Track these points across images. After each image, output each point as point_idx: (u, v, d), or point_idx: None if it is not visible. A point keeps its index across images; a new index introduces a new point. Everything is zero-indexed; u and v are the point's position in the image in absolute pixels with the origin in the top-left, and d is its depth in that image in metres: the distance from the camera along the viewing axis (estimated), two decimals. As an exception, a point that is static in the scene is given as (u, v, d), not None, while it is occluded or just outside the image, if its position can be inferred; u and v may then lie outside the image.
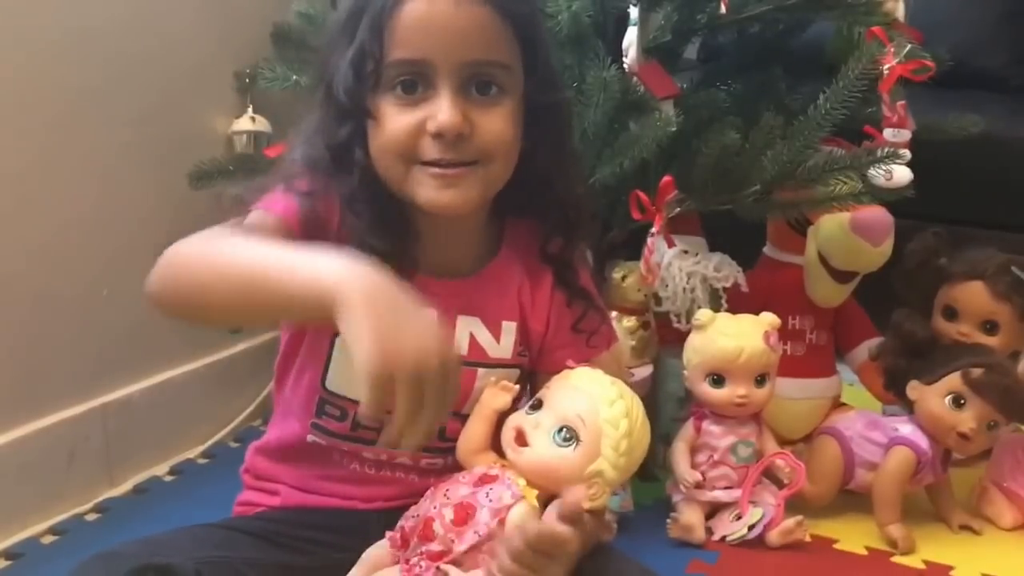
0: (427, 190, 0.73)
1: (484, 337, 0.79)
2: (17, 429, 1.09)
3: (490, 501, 0.72)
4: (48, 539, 1.10)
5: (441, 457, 0.79)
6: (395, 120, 0.72)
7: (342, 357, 0.76)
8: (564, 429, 0.73)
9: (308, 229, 0.72)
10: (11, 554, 1.06)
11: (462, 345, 0.78)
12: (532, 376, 0.83)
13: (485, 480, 0.74)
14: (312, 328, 0.78)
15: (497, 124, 0.73)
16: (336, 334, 0.71)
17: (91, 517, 1.15)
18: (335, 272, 0.59)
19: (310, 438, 0.80)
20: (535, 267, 0.81)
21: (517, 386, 0.78)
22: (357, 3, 0.73)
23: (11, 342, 1.08)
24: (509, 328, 0.80)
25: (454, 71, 0.71)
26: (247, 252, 0.63)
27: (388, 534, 0.75)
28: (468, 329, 0.78)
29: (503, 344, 0.80)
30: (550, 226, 0.81)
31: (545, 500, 0.74)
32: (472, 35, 0.71)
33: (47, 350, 1.12)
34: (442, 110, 0.70)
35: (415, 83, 0.71)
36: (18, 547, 1.07)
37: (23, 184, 1.08)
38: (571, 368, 0.77)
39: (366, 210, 0.74)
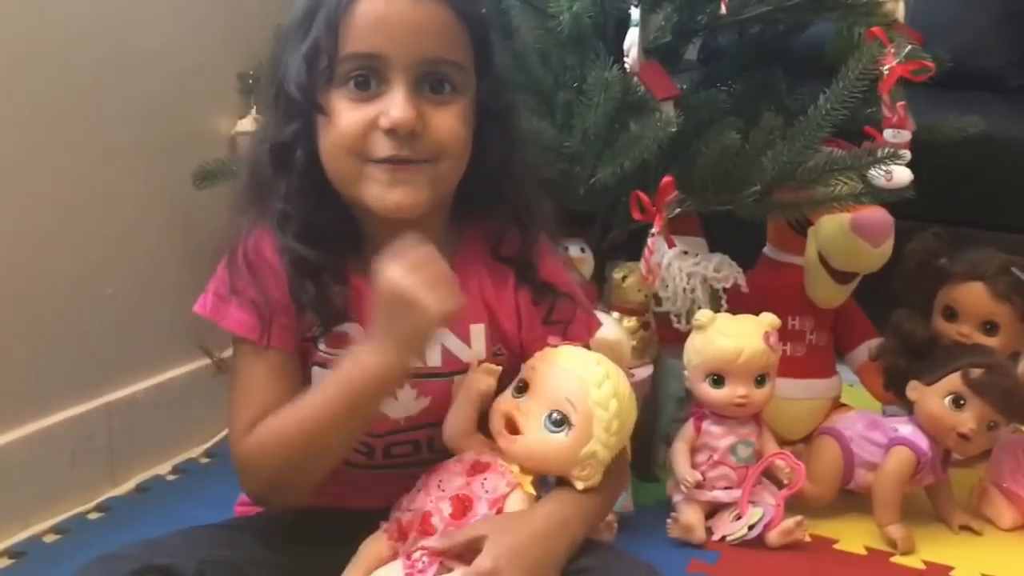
0: (376, 188, 0.72)
1: (454, 344, 0.78)
2: (20, 428, 1.10)
3: (487, 492, 0.73)
4: (51, 538, 1.10)
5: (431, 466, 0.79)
6: (347, 116, 0.71)
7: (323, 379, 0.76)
8: (555, 413, 0.73)
9: (267, 316, 0.75)
10: (14, 553, 1.06)
11: (433, 357, 0.78)
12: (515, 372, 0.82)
13: (478, 468, 0.74)
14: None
15: (450, 122, 0.72)
16: (312, 364, 0.77)
17: (94, 516, 1.16)
18: (370, 358, 0.70)
19: None
20: (496, 266, 0.81)
21: (500, 367, 0.78)
22: (312, 2, 0.73)
23: (15, 341, 1.08)
24: (478, 331, 0.79)
25: (409, 67, 0.70)
26: (321, 405, 0.72)
27: (383, 525, 0.76)
28: (438, 340, 0.77)
29: (475, 348, 0.79)
30: (501, 228, 0.80)
31: (540, 484, 0.75)
32: (428, 32, 0.71)
33: (51, 349, 1.12)
34: (395, 105, 0.70)
35: (368, 79, 0.71)
36: (21, 546, 1.07)
37: (28, 183, 1.09)
38: (554, 346, 0.77)
39: (297, 217, 0.73)
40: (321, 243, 0.74)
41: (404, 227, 0.75)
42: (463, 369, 0.78)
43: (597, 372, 0.75)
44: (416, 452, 0.80)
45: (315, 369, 0.77)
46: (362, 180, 0.72)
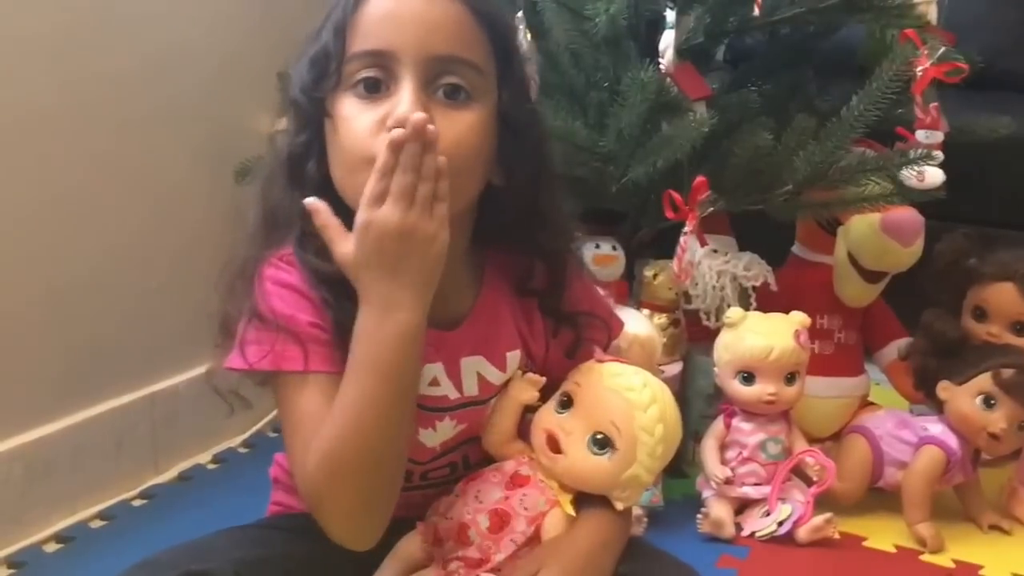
0: None
1: (491, 373, 0.75)
2: (69, 417, 1.13)
3: (525, 509, 0.72)
4: (97, 524, 1.14)
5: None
6: (355, 120, 0.66)
7: None
8: (598, 435, 0.72)
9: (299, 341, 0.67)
10: (62, 538, 1.10)
11: (471, 387, 0.74)
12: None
13: (517, 482, 0.73)
14: None
15: (462, 129, 0.66)
16: None
17: (138, 503, 1.19)
18: (386, 327, 0.62)
19: None
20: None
21: (544, 379, 0.76)
22: (326, 11, 0.69)
23: (63, 334, 1.12)
24: (513, 357, 0.76)
25: (419, 64, 0.65)
26: (350, 392, 0.64)
27: (420, 525, 0.75)
28: (474, 370, 0.74)
29: (509, 371, 0.76)
30: (529, 264, 0.75)
31: (579, 498, 0.74)
32: (441, 29, 0.66)
33: (97, 342, 1.16)
34: (402, 103, 0.64)
35: (378, 82, 0.66)
36: (69, 531, 1.11)
37: (75, 177, 1.12)
38: (599, 361, 0.75)
39: (316, 234, 0.67)
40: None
41: None
42: (497, 392, 0.76)
43: (644, 395, 0.72)
44: (452, 472, 0.78)
45: None
46: None
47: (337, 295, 0.67)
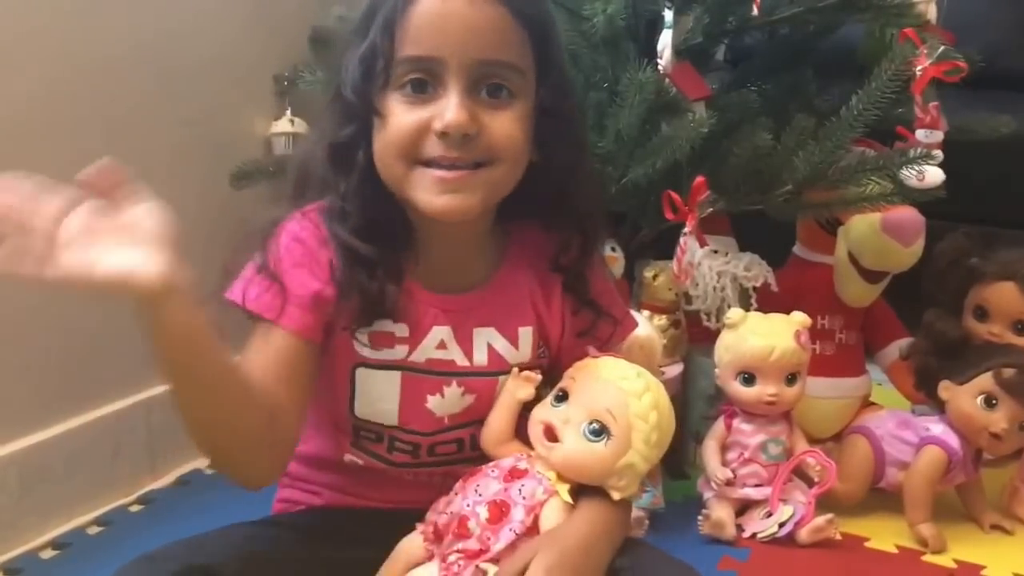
0: (426, 193, 0.71)
1: (502, 345, 0.78)
2: (66, 422, 1.13)
3: (523, 499, 0.73)
4: (94, 530, 1.13)
5: (472, 466, 0.79)
6: (401, 118, 0.70)
7: (365, 387, 0.76)
8: (594, 423, 0.73)
9: (286, 296, 0.72)
10: (59, 544, 1.09)
11: (480, 356, 0.77)
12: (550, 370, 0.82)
13: (515, 474, 0.74)
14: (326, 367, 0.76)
15: (506, 125, 0.70)
16: (356, 366, 0.75)
17: (135, 508, 1.19)
18: None
19: (347, 458, 0.80)
20: (545, 273, 0.80)
21: (540, 375, 0.78)
22: (372, 4, 0.72)
23: (61, 339, 1.11)
24: (526, 333, 0.79)
25: (464, 69, 0.69)
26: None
27: (419, 527, 0.76)
28: (485, 340, 0.77)
29: (522, 350, 0.79)
30: (565, 238, 0.79)
31: (577, 492, 0.75)
32: (485, 34, 0.69)
33: (95, 347, 1.15)
34: (449, 108, 0.68)
35: (425, 83, 0.70)
36: (65, 537, 1.10)
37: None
38: (594, 357, 0.77)
39: (356, 214, 0.73)
40: (378, 241, 0.73)
41: (453, 234, 0.75)
42: (508, 369, 0.78)
43: (637, 384, 0.74)
44: (459, 450, 0.80)
45: (360, 371, 0.76)
46: (411, 183, 0.71)
47: (355, 264, 0.72)
